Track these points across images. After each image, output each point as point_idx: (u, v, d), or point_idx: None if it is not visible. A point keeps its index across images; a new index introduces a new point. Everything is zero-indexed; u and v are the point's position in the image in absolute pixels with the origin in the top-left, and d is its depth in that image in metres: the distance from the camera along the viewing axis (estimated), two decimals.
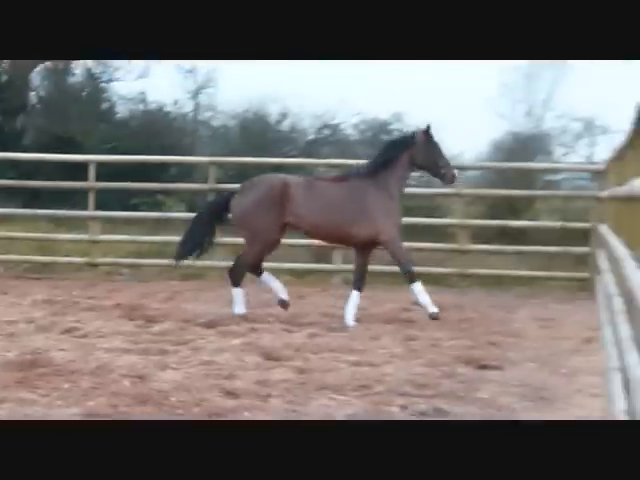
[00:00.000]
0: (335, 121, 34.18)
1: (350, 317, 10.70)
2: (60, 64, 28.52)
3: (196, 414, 6.49)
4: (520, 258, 16.80)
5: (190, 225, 11.32)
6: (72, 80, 29.92)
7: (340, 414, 6.58)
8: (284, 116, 33.31)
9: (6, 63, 27.58)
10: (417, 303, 10.92)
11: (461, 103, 34.03)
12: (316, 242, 12.80)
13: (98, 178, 15.55)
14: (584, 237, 15.16)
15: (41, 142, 25.29)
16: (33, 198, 20.63)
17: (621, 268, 6.43)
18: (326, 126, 34.16)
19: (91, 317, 10.71)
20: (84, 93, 29.61)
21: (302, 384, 7.51)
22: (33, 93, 29.33)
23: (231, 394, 7.10)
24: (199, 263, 15.46)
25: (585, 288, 14.17)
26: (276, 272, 15.14)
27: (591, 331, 10.77)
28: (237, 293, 10.96)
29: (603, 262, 11.14)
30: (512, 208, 26.15)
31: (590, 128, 36.34)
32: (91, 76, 29.71)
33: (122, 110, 32.11)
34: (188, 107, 32.90)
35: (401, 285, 13.44)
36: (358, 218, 10.76)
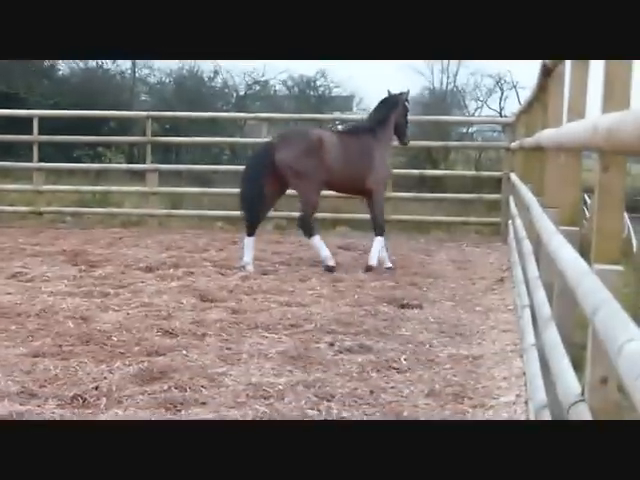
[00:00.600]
0: (264, 78, 34.05)
1: (387, 261, 10.74)
2: None
3: (136, 352, 6.46)
4: (438, 205, 16.93)
5: (243, 187, 10.59)
6: None
7: (272, 351, 6.60)
8: (216, 73, 33.09)
9: None
10: (383, 253, 10.86)
11: (381, 61, 33.97)
12: None
13: (42, 132, 15.37)
14: (496, 185, 15.33)
15: None
16: None
17: (529, 213, 6.48)
18: (256, 82, 33.99)
19: (36, 262, 10.57)
20: None
21: (236, 323, 7.50)
22: None
23: (169, 333, 7.08)
24: (137, 211, 15.40)
25: (497, 232, 14.31)
26: (212, 220, 15.16)
27: (503, 272, 10.90)
28: (316, 240, 10.61)
29: (513, 208, 11.24)
30: (430, 158, 26.37)
31: (500, 84, 36.65)
32: None
33: (64, 68, 31.65)
34: (126, 65, 32.51)
35: (327, 230, 13.48)
36: (368, 171, 10.78)
